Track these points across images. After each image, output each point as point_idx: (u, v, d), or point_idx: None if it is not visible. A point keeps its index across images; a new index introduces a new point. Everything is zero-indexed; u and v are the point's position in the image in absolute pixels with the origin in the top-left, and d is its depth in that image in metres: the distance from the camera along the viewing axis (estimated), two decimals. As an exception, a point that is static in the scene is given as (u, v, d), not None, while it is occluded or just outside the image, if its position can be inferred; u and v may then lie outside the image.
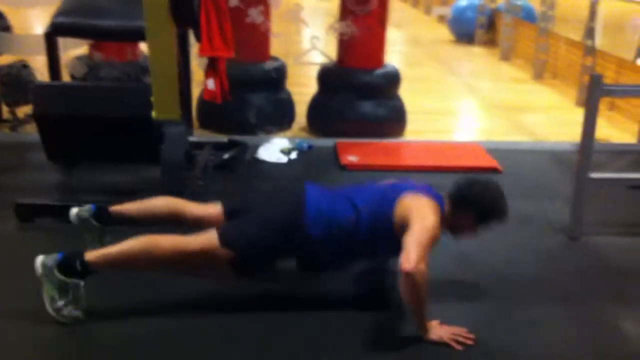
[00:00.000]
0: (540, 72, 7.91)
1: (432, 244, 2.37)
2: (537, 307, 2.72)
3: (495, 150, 4.57)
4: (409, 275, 2.25)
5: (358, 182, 2.83)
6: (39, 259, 2.40)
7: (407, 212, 2.44)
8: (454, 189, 2.61)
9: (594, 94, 3.15)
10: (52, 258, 2.39)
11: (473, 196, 2.56)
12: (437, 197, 2.55)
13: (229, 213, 2.65)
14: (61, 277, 2.37)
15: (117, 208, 2.76)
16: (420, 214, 2.41)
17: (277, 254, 2.59)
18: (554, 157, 4.60)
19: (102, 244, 2.67)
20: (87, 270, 2.39)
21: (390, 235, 2.46)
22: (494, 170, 4.22)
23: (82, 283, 2.40)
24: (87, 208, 2.76)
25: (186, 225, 2.65)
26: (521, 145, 5.07)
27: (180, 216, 2.70)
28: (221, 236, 2.43)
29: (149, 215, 2.72)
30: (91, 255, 2.41)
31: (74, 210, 2.76)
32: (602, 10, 7.45)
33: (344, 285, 2.80)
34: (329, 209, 2.52)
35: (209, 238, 2.44)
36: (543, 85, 7.72)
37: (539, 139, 5.49)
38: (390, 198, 2.54)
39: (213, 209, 2.69)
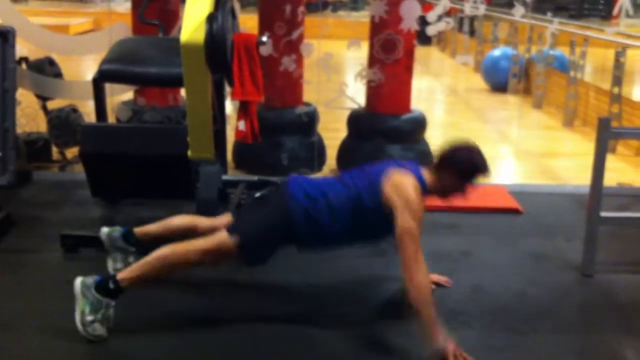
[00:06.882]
0: (571, 119, 8.02)
1: (420, 227, 2.66)
2: (544, 338, 2.85)
3: (518, 193, 4.68)
4: (412, 283, 2.55)
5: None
6: (79, 279, 2.67)
7: (392, 199, 2.69)
8: (436, 157, 2.86)
9: (602, 136, 3.33)
10: (92, 278, 2.66)
11: (450, 158, 2.82)
12: (417, 174, 2.79)
13: None
14: (97, 295, 2.62)
15: (140, 229, 3.06)
16: (403, 205, 2.66)
17: (277, 239, 2.83)
18: (576, 199, 4.69)
19: (126, 265, 2.96)
20: (118, 288, 2.65)
21: (379, 214, 2.72)
22: (514, 210, 4.35)
23: (112, 303, 2.66)
24: (117, 229, 3.06)
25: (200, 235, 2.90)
26: (544, 188, 5.18)
27: (194, 229, 2.99)
28: (228, 229, 2.76)
29: (169, 233, 3.01)
30: (120, 274, 2.69)
31: (105, 230, 3.06)
32: (632, 58, 7.57)
33: (351, 296, 3.02)
34: (313, 193, 2.80)
35: (218, 235, 2.75)
36: (573, 133, 7.83)
37: (564, 183, 5.60)
38: (378, 174, 2.79)
39: (223, 220, 2.99)
